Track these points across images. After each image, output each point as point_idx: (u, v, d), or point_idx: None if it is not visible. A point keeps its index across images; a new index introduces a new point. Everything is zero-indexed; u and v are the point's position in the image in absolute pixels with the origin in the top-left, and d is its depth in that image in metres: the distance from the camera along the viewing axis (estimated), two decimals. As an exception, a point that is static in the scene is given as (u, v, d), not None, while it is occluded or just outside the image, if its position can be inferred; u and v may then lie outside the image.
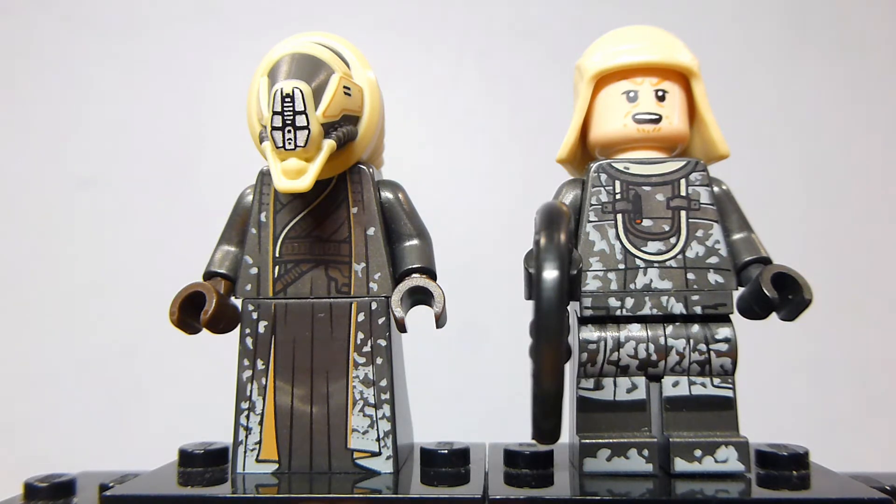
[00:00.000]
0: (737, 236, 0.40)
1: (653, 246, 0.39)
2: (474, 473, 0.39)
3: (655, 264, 0.39)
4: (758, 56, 0.76)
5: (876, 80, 0.75)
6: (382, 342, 0.38)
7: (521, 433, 0.37)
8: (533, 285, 0.30)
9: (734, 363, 0.38)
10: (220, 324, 0.38)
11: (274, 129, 0.34)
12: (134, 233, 0.75)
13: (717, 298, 0.39)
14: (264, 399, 0.39)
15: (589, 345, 0.39)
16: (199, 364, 0.65)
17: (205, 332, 0.38)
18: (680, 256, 0.39)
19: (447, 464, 0.40)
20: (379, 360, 0.38)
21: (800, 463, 0.38)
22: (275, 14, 0.76)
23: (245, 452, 0.38)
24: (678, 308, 0.39)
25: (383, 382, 0.38)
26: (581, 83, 0.42)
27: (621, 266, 0.39)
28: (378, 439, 0.38)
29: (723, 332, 0.38)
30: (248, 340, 0.39)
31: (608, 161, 0.41)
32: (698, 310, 0.39)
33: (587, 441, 0.38)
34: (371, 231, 0.39)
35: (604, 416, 0.39)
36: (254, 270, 0.39)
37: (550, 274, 0.30)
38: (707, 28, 0.73)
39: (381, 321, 0.38)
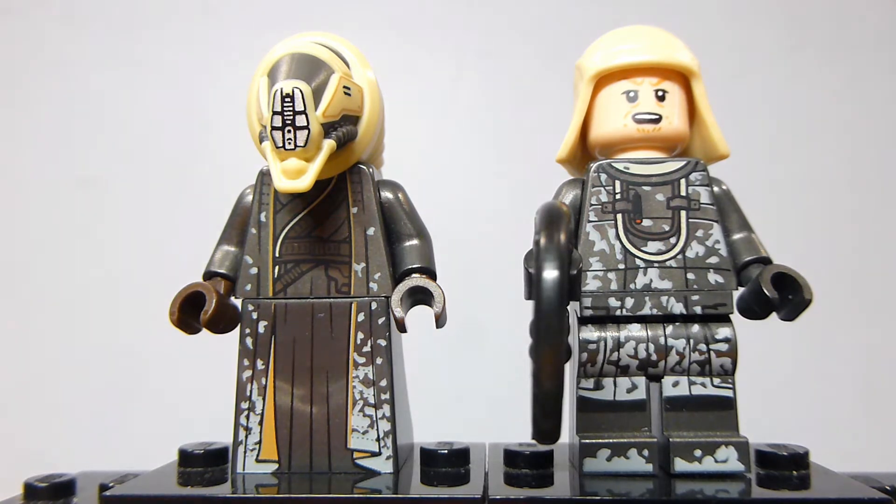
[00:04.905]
0: (737, 236, 0.40)
1: (653, 246, 0.39)
2: (474, 473, 0.39)
3: (655, 264, 0.39)
4: (758, 56, 0.76)
5: (876, 79, 0.75)
6: (382, 342, 0.38)
7: (521, 433, 0.37)
8: (533, 285, 0.30)
9: (734, 363, 0.38)
10: (220, 324, 0.38)
11: (274, 128, 0.34)
12: (134, 233, 0.75)
13: (717, 298, 0.39)
14: (264, 399, 0.39)
15: (589, 345, 0.39)
16: (199, 364, 0.65)
17: (205, 332, 0.38)
18: (680, 256, 0.39)
19: (447, 464, 0.40)
20: (379, 360, 0.38)
21: (800, 463, 0.38)
22: (275, 14, 0.76)
23: (245, 452, 0.38)
24: (678, 308, 0.39)
25: (383, 382, 0.38)
26: (581, 83, 0.42)
27: (621, 266, 0.39)
28: (378, 439, 0.38)
29: (723, 332, 0.38)
30: (248, 340, 0.39)
31: (608, 161, 0.41)
32: (698, 310, 0.39)
33: (587, 441, 0.38)
34: (371, 231, 0.39)
35: (604, 416, 0.38)
36: (254, 270, 0.39)
37: (550, 274, 0.30)
38: (707, 28, 0.73)
39: (381, 321, 0.38)
